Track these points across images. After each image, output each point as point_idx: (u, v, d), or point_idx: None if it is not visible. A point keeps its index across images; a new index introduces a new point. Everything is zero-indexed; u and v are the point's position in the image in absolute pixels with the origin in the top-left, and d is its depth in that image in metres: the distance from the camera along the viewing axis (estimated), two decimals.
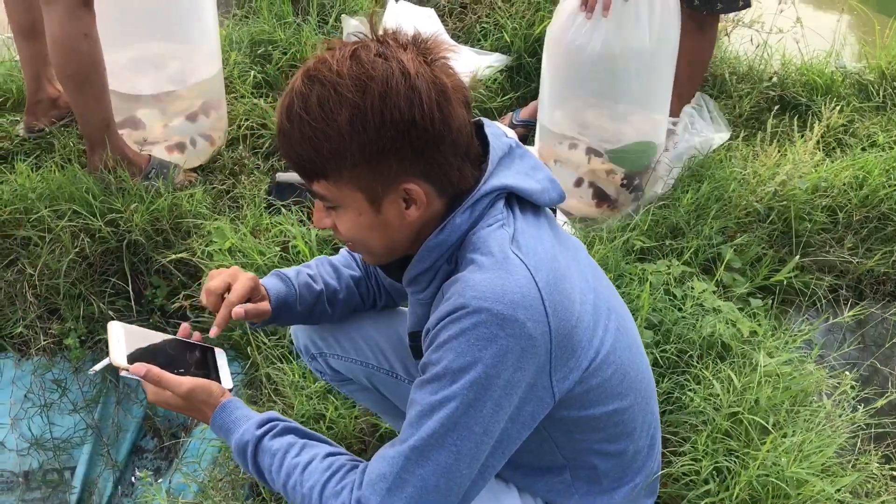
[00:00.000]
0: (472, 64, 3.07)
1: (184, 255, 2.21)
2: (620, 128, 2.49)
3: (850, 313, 2.17)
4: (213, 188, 2.48)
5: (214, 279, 1.34)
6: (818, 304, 2.33)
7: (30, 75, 2.50)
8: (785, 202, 2.45)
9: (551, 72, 2.47)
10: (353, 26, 3.08)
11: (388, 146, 1.11)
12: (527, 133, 2.98)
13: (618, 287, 2.01)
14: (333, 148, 1.10)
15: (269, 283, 1.44)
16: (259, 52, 2.96)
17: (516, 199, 1.23)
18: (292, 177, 2.44)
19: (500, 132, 1.27)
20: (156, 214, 2.26)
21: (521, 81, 3.16)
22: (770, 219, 2.43)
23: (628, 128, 2.49)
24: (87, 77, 2.19)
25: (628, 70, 2.33)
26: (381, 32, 1.16)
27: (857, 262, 2.43)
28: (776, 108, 3.05)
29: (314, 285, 1.48)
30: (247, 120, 2.73)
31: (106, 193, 2.28)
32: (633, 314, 1.58)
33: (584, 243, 1.70)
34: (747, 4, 2.66)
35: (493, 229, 1.17)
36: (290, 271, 1.49)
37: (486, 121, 1.27)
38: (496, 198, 1.19)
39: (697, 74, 2.75)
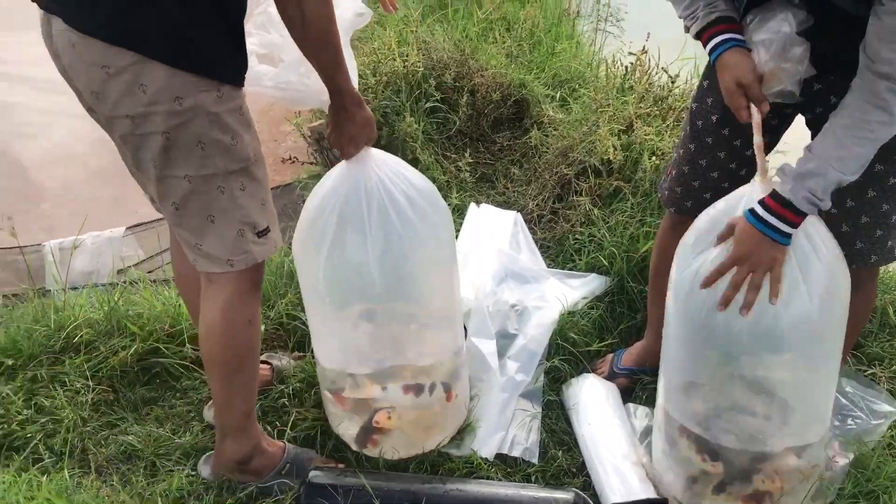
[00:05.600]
0: (563, 297, 2.55)
1: None
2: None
3: None
4: None
5: None
6: None
7: None
8: None
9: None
10: None
11: None
12: (632, 385, 2.39)
13: None
14: None
15: None
16: None
17: None
18: (335, 479, 1.95)
19: None
20: None
21: (623, 312, 2.60)
22: None
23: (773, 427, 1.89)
24: (239, 367, 1.84)
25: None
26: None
27: None
28: None
29: None
30: None
31: None
32: None
33: None
34: None
35: None
36: None
37: None
38: None
39: (849, 341, 2.10)
